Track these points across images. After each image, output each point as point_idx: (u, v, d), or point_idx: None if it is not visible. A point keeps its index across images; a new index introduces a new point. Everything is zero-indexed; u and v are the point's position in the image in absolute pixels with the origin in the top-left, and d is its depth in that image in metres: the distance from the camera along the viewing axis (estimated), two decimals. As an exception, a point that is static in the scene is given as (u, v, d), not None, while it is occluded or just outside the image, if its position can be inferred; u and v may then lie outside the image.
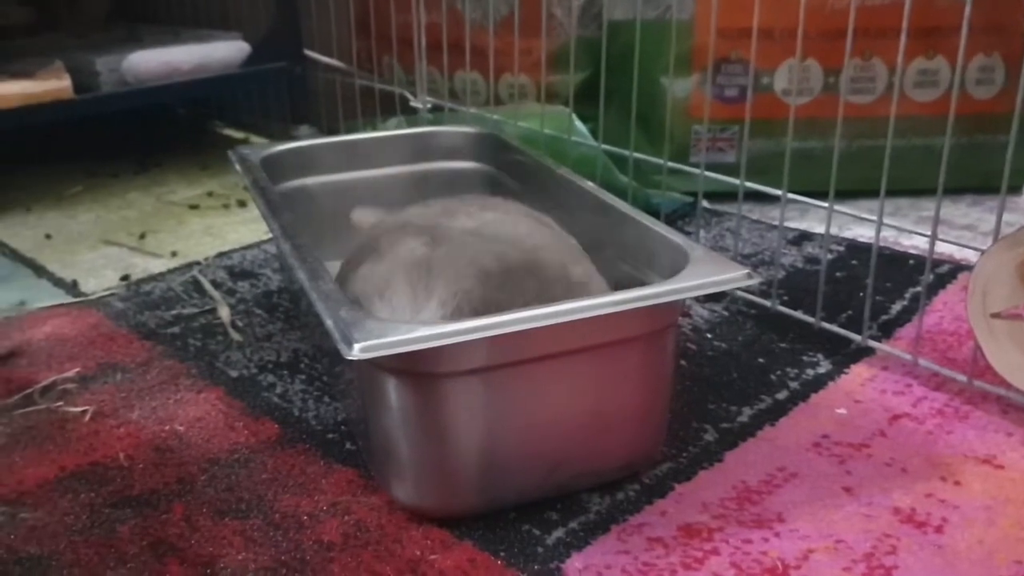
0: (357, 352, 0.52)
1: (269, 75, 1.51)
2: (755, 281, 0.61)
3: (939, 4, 1.13)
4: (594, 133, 1.14)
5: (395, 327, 0.54)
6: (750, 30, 0.86)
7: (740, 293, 0.93)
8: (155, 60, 1.38)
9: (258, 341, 0.88)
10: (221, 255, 1.10)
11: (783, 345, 0.84)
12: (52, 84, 1.28)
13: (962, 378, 0.75)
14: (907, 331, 0.86)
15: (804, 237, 1.10)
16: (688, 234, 1.09)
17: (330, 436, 0.72)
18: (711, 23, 0.92)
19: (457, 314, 0.60)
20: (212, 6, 1.66)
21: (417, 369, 0.57)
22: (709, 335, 0.86)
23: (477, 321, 0.55)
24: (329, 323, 0.56)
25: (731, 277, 0.61)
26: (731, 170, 0.95)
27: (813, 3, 0.79)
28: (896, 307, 0.91)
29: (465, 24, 1.29)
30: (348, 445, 0.70)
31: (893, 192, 0.77)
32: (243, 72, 1.47)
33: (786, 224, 0.90)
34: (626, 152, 1.02)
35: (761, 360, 0.82)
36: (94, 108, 1.35)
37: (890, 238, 1.07)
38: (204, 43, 1.47)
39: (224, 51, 1.46)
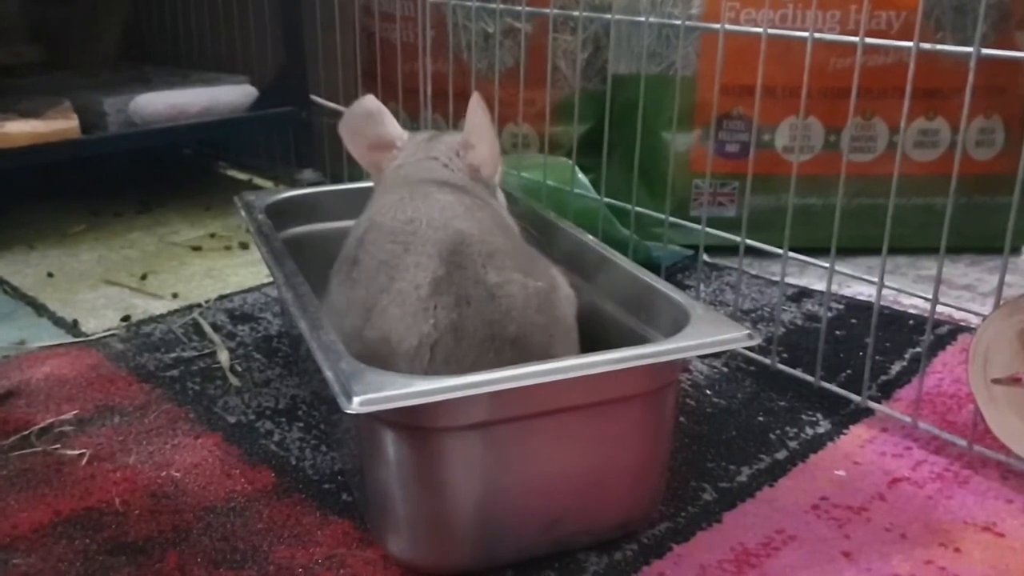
0: (357, 405, 0.52)
1: (275, 119, 1.52)
2: (756, 341, 0.61)
3: (940, 66, 1.14)
4: (595, 184, 1.15)
5: (395, 380, 0.54)
6: (752, 87, 0.87)
7: (740, 350, 0.93)
8: (162, 103, 1.39)
9: (256, 387, 0.87)
10: (222, 298, 1.10)
11: (782, 403, 0.84)
12: (60, 124, 1.30)
13: (962, 442, 0.75)
14: (906, 392, 0.86)
15: (804, 294, 1.10)
16: (688, 287, 1.10)
17: (326, 486, 0.71)
18: (714, 80, 0.93)
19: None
20: (221, 49, 1.68)
21: (415, 423, 0.56)
22: (708, 391, 0.86)
23: (478, 376, 0.55)
24: (329, 375, 0.56)
25: (732, 337, 0.61)
26: (731, 224, 0.95)
27: (815, 62, 0.80)
28: (895, 367, 0.91)
29: (471, 74, 1.31)
30: (344, 496, 0.70)
31: (892, 250, 0.78)
32: (250, 116, 1.49)
33: (786, 280, 0.90)
34: (627, 205, 1.03)
35: (760, 418, 0.82)
36: (100, 148, 1.36)
37: (889, 296, 1.07)
38: (211, 86, 1.48)
39: (231, 95, 1.47)
